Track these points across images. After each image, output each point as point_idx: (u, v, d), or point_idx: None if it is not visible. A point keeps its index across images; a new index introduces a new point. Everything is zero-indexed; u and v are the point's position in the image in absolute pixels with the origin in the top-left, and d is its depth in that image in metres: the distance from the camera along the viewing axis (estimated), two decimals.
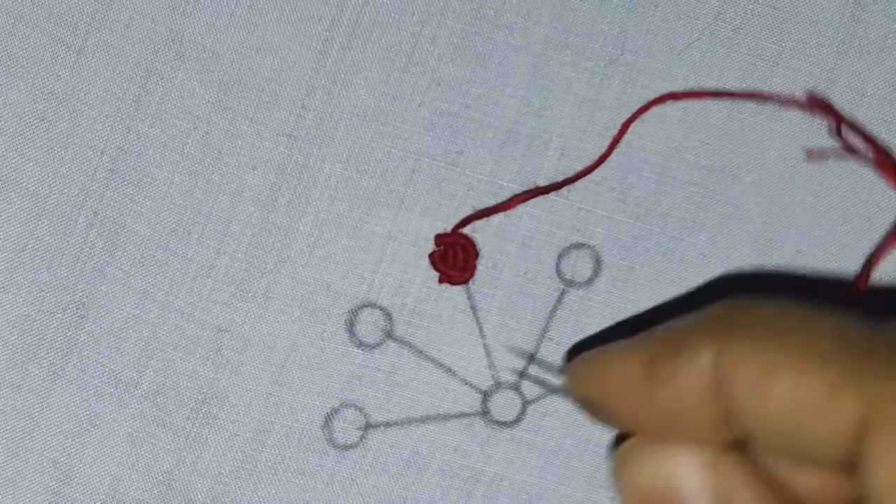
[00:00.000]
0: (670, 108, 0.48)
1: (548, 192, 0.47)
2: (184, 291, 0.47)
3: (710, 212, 0.48)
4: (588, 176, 0.48)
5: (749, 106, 0.48)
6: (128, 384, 0.47)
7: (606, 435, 0.48)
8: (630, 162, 0.48)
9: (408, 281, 0.47)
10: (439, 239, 0.47)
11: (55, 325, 0.47)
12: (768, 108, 0.48)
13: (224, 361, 0.47)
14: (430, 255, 0.47)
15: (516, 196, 0.47)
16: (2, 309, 0.47)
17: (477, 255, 0.47)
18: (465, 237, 0.47)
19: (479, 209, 0.47)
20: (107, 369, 0.47)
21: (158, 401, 0.47)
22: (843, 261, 0.49)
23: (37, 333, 0.47)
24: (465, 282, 0.47)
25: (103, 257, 0.47)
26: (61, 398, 0.47)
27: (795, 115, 0.48)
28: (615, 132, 0.48)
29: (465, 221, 0.47)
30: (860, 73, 0.49)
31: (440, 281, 0.47)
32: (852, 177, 0.49)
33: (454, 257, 0.47)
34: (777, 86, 0.48)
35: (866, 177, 0.49)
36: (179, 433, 0.47)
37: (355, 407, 0.48)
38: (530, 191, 0.47)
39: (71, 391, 0.47)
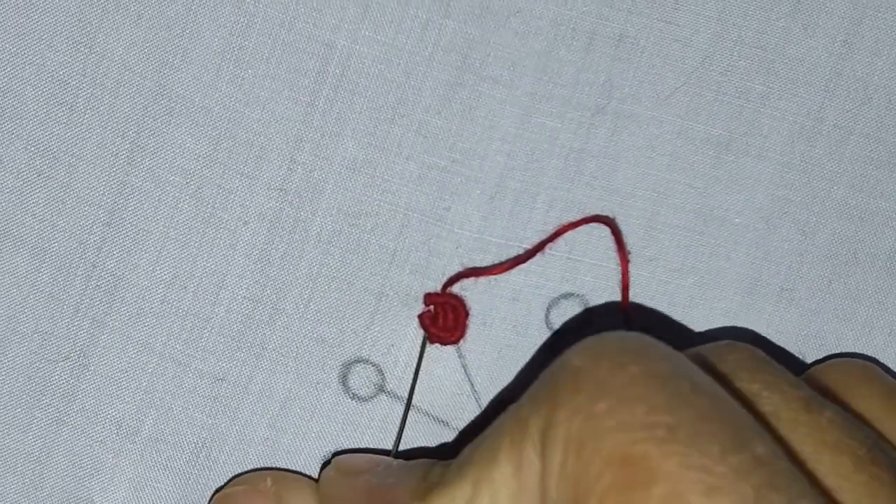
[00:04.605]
0: (657, 153, 0.48)
1: (531, 256, 0.48)
2: (181, 342, 0.48)
3: (697, 255, 0.49)
4: (577, 227, 0.48)
5: (736, 146, 0.49)
6: (129, 431, 0.49)
7: None
8: (618, 209, 0.48)
9: (399, 339, 0.48)
10: (429, 298, 0.48)
11: (58, 373, 0.49)
12: (755, 149, 0.49)
13: (222, 409, 0.49)
14: (420, 317, 0.48)
15: (500, 264, 0.48)
16: (6, 357, 0.49)
17: (467, 314, 0.48)
18: (455, 297, 0.47)
19: (466, 266, 0.48)
20: (109, 416, 0.49)
21: (159, 447, 0.49)
22: (828, 296, 0.49)
23: (41, 380, 0.49)
24: (456, 342, 0.48)
25: (102, 308, 0.48)
26: (66, 444, 0.49)
27: (782, 156, 0.49)
28: (603, 181, 0.48)
29: (452, 281, 0.47)
30: (847, 112, 0.49)
31: (430, 341, 0.48)
32: (837, 215, 0.49)
33: (444, 318, 0.47)
34: (765, 126, 0.49)
35: (852, 215, 0.49)
36: (180, 476, 0.49)
37: (351, 453, 0.49)
38: (516, 258, 0.48)
39: (75, 437, 0.49)
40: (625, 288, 0.47)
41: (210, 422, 0.49)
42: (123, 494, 0.49)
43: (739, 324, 0.49)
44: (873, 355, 0.50)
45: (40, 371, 0.49)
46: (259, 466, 0.49)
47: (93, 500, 0.49)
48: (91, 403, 0.49)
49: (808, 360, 0.50)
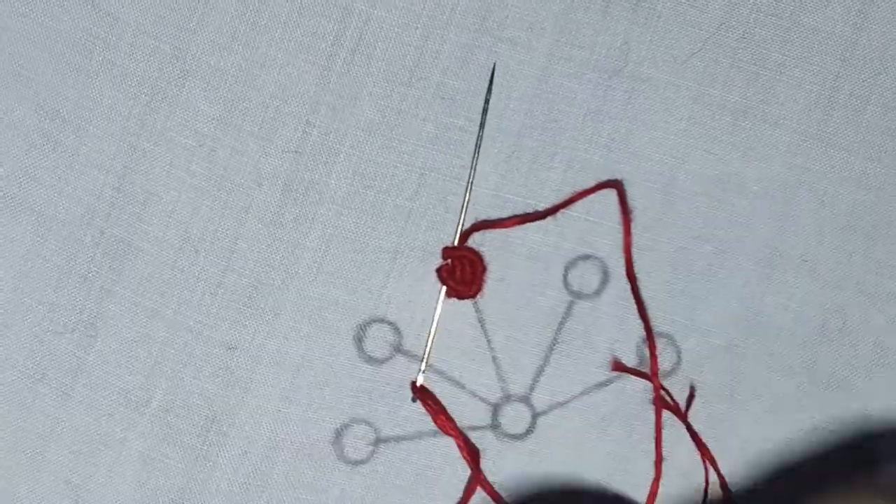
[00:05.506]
0: (674, 117, 0.48)
1: (542, 217, 0.47)
2: (192, 309, 0.47)
3: (716, 221, 0.48)
4: (591, 193, 0.48)
5: (753, 114, 0.48)
6: (138, 403, 0.47)
7: (614, 447, 0.48)
8: (636, 173, 0.48)
9: (416, 295, 0.48)
10: (447, 252, 0.47)
11: (64, 345, 0.47)
12: (772, 117, 0.48)
13: (234, 379, 0.48)
14: (438, 270, 0.47)
15: (513, 217, 0.47)
16: (11, 330, 0.47)
17: (484, 269, 0.47)
18: (473, 251, 0.47)
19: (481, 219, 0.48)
20: (117, 389, 0.47)
21: (169, 419, 0.47)
22: (848, 269, 0.49)
23: (46, 353, 0.47)
24: (473, 296, 0.47)
25: (111, 276, 0.47)
26: (72, 418, 0.47)
27: (798, 124, 0.48)
28: (620, 143, 0.48)
29: (466, 235, 0.47)
30: (864, 81, 0.49)
31: (448, 295, 0.47)
32: (856, 185, 0.49)
33: (462, 272, 0.47)
34: (781, 95, 0.48)
35: (871, 185, 0.49)
36: (190, 451, 0.47)
37: (365, 422, 0.48)
38: (526, 215, 0.48)
39: (81, 411, 0.47)
40: (627, 249, 0.47)
41: (222, 393, 0.47)
42: (132, 469, 0.47)
43: (760, 295, 0.48)
44: None
45: (45, 344, 0.47)
46: (271, 440, 0.47)
47: (100, 476, 0.47)
48: (98, 375, 0.47)
49: (831, 335, 0.49)
